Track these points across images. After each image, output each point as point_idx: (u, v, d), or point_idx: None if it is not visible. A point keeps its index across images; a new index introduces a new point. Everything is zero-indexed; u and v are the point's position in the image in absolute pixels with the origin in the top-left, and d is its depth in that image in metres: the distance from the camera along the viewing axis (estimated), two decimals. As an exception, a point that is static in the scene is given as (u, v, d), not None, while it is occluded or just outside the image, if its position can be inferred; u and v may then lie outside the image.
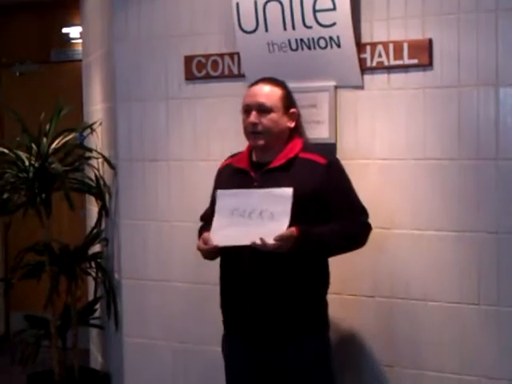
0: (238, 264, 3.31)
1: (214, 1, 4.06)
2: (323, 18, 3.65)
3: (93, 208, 5.15)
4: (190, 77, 4.14)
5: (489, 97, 3.46)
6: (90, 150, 4.93)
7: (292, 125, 3.32)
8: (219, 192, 3.37)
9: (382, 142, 3.69)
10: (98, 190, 4.77)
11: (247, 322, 3.31)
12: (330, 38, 3.67)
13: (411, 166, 3.63)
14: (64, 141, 4.75)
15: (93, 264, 4.88)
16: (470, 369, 3.54)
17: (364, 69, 3.69)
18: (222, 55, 4.04)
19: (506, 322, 3.47)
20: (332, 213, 3.25)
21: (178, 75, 4.18)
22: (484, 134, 3.47)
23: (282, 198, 3.19)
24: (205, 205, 4.12)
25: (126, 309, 4.47)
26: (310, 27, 3.69)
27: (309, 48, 3.73)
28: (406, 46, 3.59)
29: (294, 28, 3.73)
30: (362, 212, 3.33)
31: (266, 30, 3.79)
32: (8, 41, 6.97)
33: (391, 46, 3.62)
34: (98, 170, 4.80)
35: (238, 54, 3.96)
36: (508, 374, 3.47)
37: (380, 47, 3.65)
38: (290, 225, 3.13)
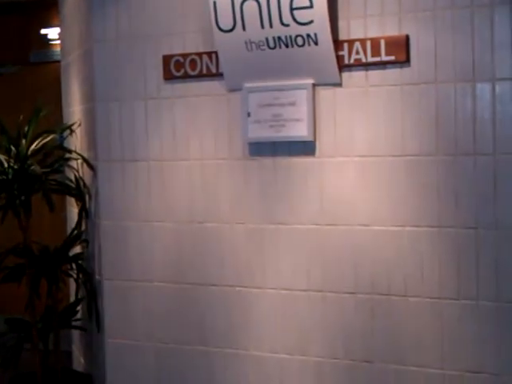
0: None
1: (191, 0, 4.05)
2: (300, 15, 3.66)
3: (73, 209, 5.13)
4: (168, 76, 4.14)
5: (466, 93, 3.47)
6: (70, 151, 4.91)
7: None
8: None
9: (361, 139, 3.70)
10: (78, 191, 4.75)
11: None
12: (308, 36, 3.67)
13: (390, 163, 3.64)
14: (43, 142, 4.72)
15: (73, 265, 4.86)
16: (452, 363, 3.56)
17: (342, 66, 3.69)
18: (200, 54, 4.04)
19: (485, 316, 3.48)
20: None
21: (157, 75, 4.17)
22: (462, 129, 3.49)
23: None
24: (185, 205, 4.14)
25: (108, 310, 4.45)
26: (287, 25, 3.69)
27: (286, 46, 3.73)
28: (383, 42, 3.60)
29: (271, 26, 3.73)
30: None
31: (244, 28, 3.80)
32: (-13, 43, 6.95)
33: (368, 43, 3.63)
34: (78, 171, 4.79)
35: (215, 52, 3.96)
36: (489, 368, 3.49)
37: (357, 44, 3.65)
38: None
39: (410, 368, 3.64)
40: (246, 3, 3.75)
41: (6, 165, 4.62)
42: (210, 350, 4.07)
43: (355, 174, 3.69)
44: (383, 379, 3.71)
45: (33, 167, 4.58)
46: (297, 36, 3.70)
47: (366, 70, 3.67)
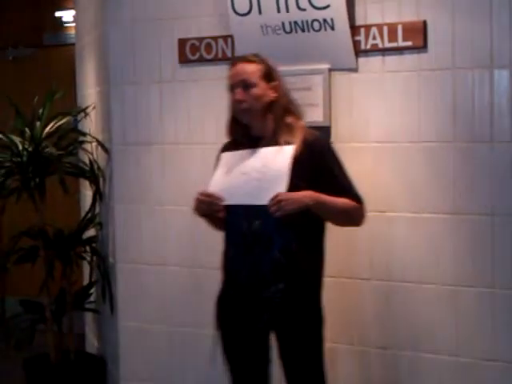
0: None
1: (207, -17, 4.04)
2: (317, 0, 3.63)
3: (87, 192, 5.14)
4: (183, 60, 4.13)
5: (484, 79, 3.45)
6: (84, 134, 4.91)
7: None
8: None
9: (377, 124, 3.68)
10: (92, 174, 4.75)
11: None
12: (324, 21, 3.65)
13: (406, 149, 3.62)
14: (58, 125, 4.73)
15: (87, 248, 4.88)
16: (466, 351, 3.55)
17: (358, 51, 3.67)
18: (215, 38, 4.02)
19: (501, 304, 3.47)
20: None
21: (172, 58, 4.16)
22: (479, 116, 3.46)
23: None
24: (199, 188, 4.12)
25: (121, 293, 4.47)
26: (303, 9, 3.67)
27: (303, 30, 3.71)
28: (400, 28, 3.57)
29: (287, 10, 3.71)
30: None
31: (260, 12, 3.78)
32: (1, 25, 6.92)
33: (385, 29, 3.61)
34: (92, 154, 4.79)
35: (231, 36, 3.95)
36: (504, 356, 3.48)
37: (374, 29, 3.63)
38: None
39: (424, 355, 3.63)
40: (262, -13, 3.73)
41: (20, 147, 4.63)
42: (224, 334, 4.07)
43: (371, 160, 3.67)
44: (397, 366, 3.71)
45: (47, 149, 4.59)
46: (313, 21, 3.68)
47: (383, 55, 3.65)
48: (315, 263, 3.33)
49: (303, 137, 3.26)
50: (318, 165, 3.24)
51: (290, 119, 3.30)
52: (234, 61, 3.38)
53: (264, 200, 3.16)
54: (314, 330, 3.31)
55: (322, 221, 3.31)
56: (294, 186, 3.16)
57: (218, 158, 3.45)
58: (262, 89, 3.28)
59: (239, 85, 3.28)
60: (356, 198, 3.29)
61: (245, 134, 3.39)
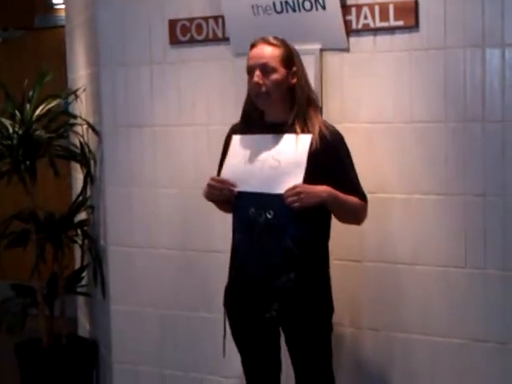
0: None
1: (197, -37, 4.01)
2: (308, -21, 3.61)
3: (78, 175, 5.11)
4: (174, 41, 4.10)
5: (475, 58, 3.42)
6: (75, 117, 4.89)
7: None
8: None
9: (368, 105, 3.66)
10: (83, 157, 4.73)
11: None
12: (315, 0, 3.62)
13: (397, 130, 3.60)
14: (48, 107, 4.70)
15: (79, 232, 4.86)
16: (458, 332, 3.55)
17: (349, 31, 3.65)
18: (206, 18, 3.99)
19: (492, 285, 3.46)
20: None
21: (163, 39, 4.13)
22: (471, 96, 3.44)
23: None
24: (190, 170, 4.11)
25: (113, 276, 4.45)
26: (294, -11, 3.65)
27: (294, 10, 3.68)
28: (391, 7, 3.54)
29: (278, -10, 3.68)
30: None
31: (251, -8, 3.75)
32: (-10, 8, 6.89)
33: (377, 8, 3.58)
34: (83, 137, 4.77)
35: (222, 17, 3.91)
36: (495, 337, 3.48)
37: (365, 9, 3.60)
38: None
39: (416, 336, 3.63)
40: (252, -34, 3.70)
41: (10, 130, 4.61)
42: (215, 317, 4.04)
43: (362, 141, 3.65)
44: (389, 347, 3.70)
45: (38, 132, 4.57)
46: (304, 0, 3.65)
47: (374, 35, 3.62)
48: (324, 253, 3.33)
49: (320, 129, 3.24)
50: (332, 159, 3.23)
51: (310, 109, 3.28)
52: (254, 42, 3.31)
53: (279, 189, 3.13)
54: (323, 320, 3.31)
55: (329, 212, 3.31)
56: (305, 177, 3.14)
57: (227, 140, 3.42)
58: (281, 74, 3.25)
59: (258, 68, 3.24)
60: (362, 196, 3.30)
61: (260, 118, 3.36)
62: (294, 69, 3.27)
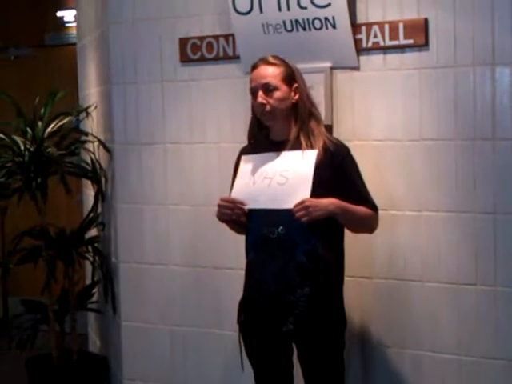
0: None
1: (208, -18, 4.03)
2: (318, -2, 3.63)
3: (89, 192, 5.13)
4: (185, 59, 4.12)
5: (485, 77, 3.44)
6: (86, 134, 4.91)
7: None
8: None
9: (378, 123, 3.68)
10: (94, 174, 4.75)
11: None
12: (325, 19, 3.65)
13: (407, 147, 3.62)
14: (59, 124, 4.73)
15: (90, 248, 4.88)
16: (468, 349, 3.54)
17: (359, 49, 3.67)
18: (216, 37, 4.02)
19: (503, 302, 3.46)
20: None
21: (173, 58, 4.16)
22: (480, 114, 3.45)
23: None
24: (201, 188, 4.13)
25: (124, 293, 4.46)
26: (304, 8, 3.66)
27: (304, 29, 3.71)
28: (401, 26, 3.56)
29: (288, 9, 3.70)
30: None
31: (261, 11, 3.77)
32: (3, 25, 6.92)
33: (387, 27, 3.60)
34: (94, 154, 4.79)
35: (232, 35, 3.94)
36: (506, 354, 3.47)
37: (375, 28, 3.62)
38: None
39: (426, 353, 3.63)
40: (263, -15, 3.73)
41: (22, 147, 4.63)
42: (225, 334, 4.07)
43: (372, 159, 3.66)
44: (399, 364, 3.70)
45: (49, 149, 4.59)
46: (314, 19, 3.67)
47: (384, 53, 3.64)
48: (338, 266, 3.35)
49: (324, 143, 3.28)
50: (338, 172, 3.27)
51: (312, 123, 3.33)
52: (255, 64, 3.37)
53: (288, 204, 3.18)
54: (337, 334, 3.33)
55: (341, 225, 3.33)
56: (313, 192, 3.18)
57: (237, 163, 3.46)
58: (283, 92, 3.30)
59: (261, 88, 3.29)
60: (372, 206, 3.32)
61: (266, 137, 3.40)
62: (296, 85, 3.32)
